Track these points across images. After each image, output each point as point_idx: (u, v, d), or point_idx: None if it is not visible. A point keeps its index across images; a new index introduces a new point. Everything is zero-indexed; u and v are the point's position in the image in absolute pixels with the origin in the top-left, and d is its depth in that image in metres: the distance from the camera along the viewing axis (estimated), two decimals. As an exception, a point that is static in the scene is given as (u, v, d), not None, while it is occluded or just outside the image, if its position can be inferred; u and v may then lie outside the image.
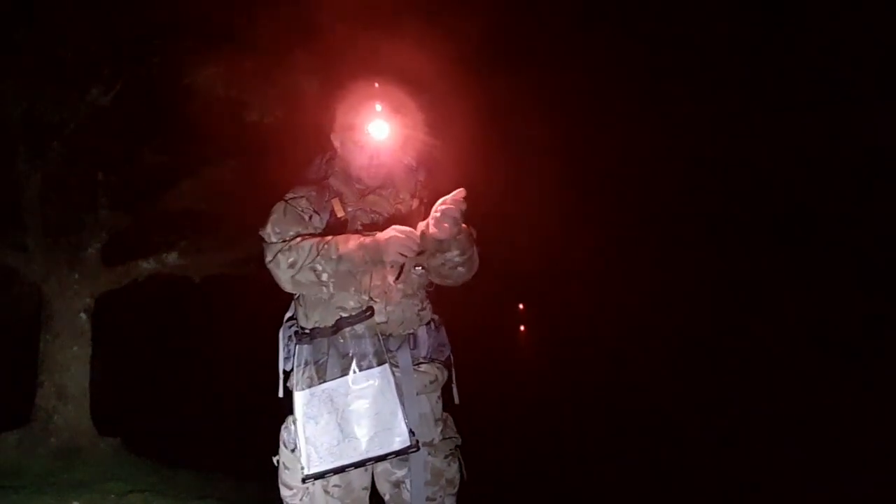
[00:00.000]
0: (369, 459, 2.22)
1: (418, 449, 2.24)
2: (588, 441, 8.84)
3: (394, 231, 2.22)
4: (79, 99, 6.27)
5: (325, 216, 2.37)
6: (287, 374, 2.38)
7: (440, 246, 2.27)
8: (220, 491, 5.96)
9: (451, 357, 2.44)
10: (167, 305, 9.21)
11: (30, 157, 6.52)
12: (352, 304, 2.31)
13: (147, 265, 7.05)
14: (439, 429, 2.35)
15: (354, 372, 2.25)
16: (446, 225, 2.18)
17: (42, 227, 6.68)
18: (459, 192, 2.18)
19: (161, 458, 6.81)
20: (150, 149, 6.72)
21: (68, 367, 6.74)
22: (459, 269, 2.35)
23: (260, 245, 2.38)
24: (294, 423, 2.30)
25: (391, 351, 2.29)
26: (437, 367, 2.39)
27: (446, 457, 2.34)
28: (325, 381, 2.27)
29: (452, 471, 2.35)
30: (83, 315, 6.86)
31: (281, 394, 2.39)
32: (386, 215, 2.38)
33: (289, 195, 2.40)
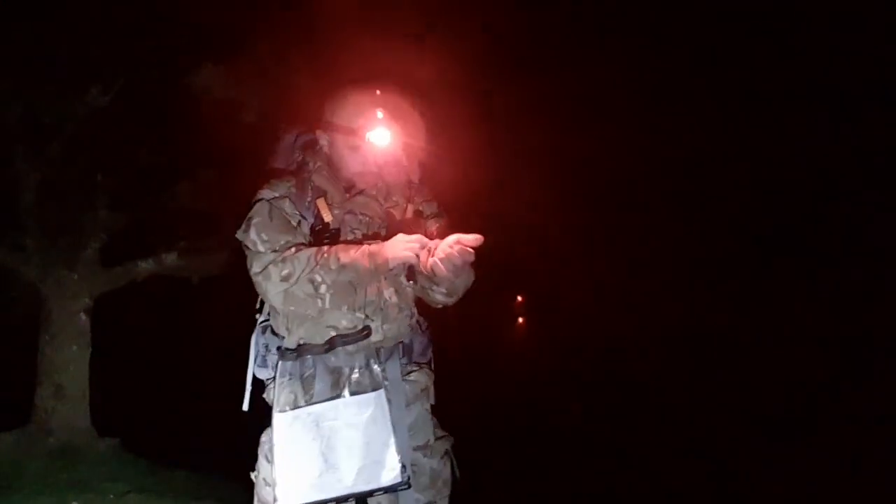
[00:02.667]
0: (353, 494, 2.03)
1: (409, 486, 2.06)
2: (587, 437, 8.81)
3: (399, 236, 2.06)
4: (78, 99, 6.27)
5: (311, 219, 2.16)
6: (261, 383, 2.20)
7: (432, 279, 2.09)
8: (218, 491, 5.94)
9: (432, 356, 2.32)
10: (166, 306, 9.20)
11: (28, 157, 6.51)
12: (345, 323, 2.11)
13: (146, 266, 7.05)
14: (432, 429, 2.25)
15: (345, 396, 2.07)
16: (446, 270, 1.95)
17: (40, 228, 6.67)
18: (476, 240, 1.96)
19: (160, 459, 6.79)
20: (148, 149, 6.71)
21: (67, 368, 6.73)
22: (438, 297, 2.20)
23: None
24: (270, 446, 2.11)
25: (381, 363, 2.15)
26: (426, 373, 2.28)
27: (441, 457, 2.25)
28: (311, 401, 2.08)
29: (447, 471, 2.26)
30: (82, 315, 6.85)
31: (246, 407, 2.19)
32: (377, 219, 2.20)
33: (268, 193, 2.18)
